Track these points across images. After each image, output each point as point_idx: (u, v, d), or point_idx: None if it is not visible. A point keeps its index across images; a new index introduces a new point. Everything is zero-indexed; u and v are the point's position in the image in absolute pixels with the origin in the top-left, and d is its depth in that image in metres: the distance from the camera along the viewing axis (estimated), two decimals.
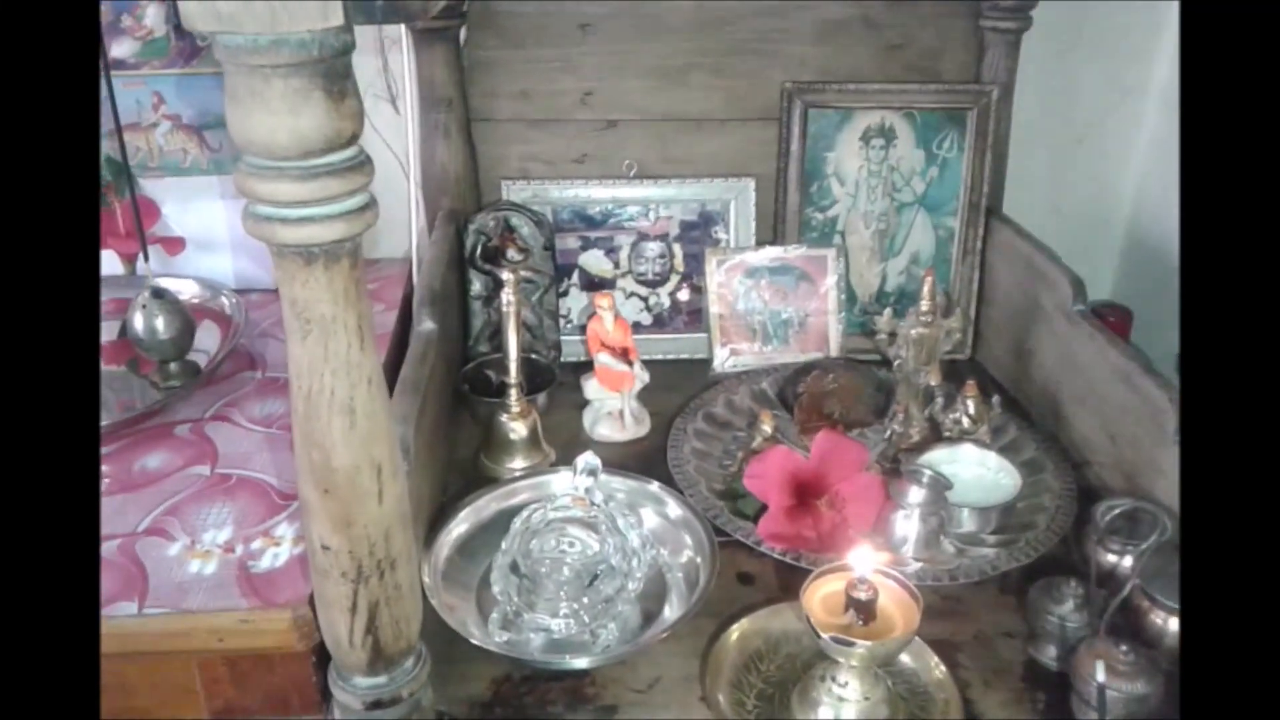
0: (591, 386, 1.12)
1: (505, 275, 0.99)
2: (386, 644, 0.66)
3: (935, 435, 1.03)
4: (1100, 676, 0.66)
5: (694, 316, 1.27)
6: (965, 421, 1.02)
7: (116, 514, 0.86)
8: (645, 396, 1.12)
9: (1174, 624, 0.77)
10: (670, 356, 1.25)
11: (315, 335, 0.57)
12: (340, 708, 0.68)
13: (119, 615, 0.76)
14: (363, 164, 0.54)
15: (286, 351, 0.58)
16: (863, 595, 0.71)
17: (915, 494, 0.90)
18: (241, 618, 0.75)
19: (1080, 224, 1.40)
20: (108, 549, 0.82)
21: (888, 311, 1.01)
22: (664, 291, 1.26)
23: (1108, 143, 1.39)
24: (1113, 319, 1.27)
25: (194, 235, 1.27)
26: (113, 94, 1.04)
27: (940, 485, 0.90)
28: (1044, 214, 1.33)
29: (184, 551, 0.81)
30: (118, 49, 1.19)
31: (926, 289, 0.98)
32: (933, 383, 1.02)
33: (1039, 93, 1.29)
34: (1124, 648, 0.71)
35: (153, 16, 1.19)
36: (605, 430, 1.10)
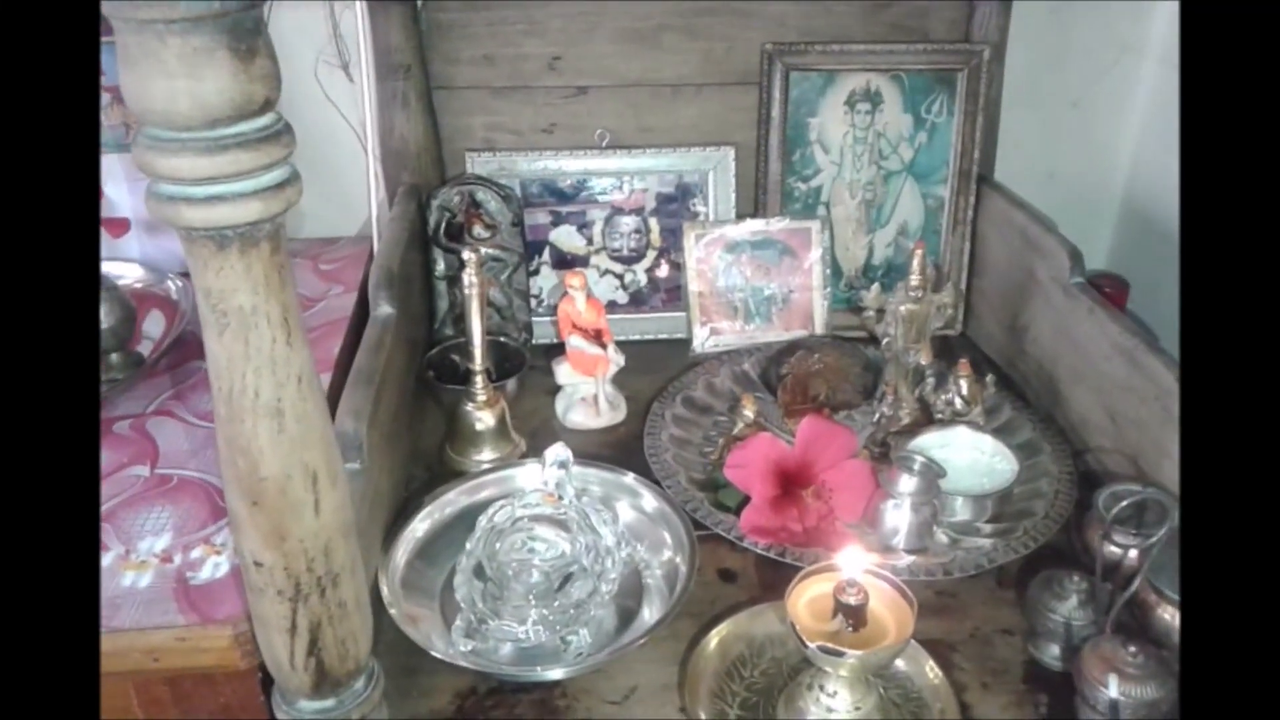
0: (563, 371, 1.05)
1: (467, 255, 0.92)
2: (332, 666, 0.60)
3: (926, 417, 0.98)
4: (1114, 691, 0.61)
5: (672, 294, 1.20)
6: (958, 402, 0.97)
7: None
8: (621, 380, 1.06)
9: None
10: (647, 337, 1.19)
11: (233, 329, 0.50)
12: None
13: None
14: (279, 134, 0.48)
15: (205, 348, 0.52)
16: (852, 600, 0.65)
17: (906, 482, 0.84)
18: (178, 635, 0.69)
19: (1074, 190, 1.34)
20: None
21: (875, 286, 0.96)
22: (640, 268, 1.20)
23: (1104, 104, 1.33)
24: (1108, 289, 1.21)
25: (139, 216, 1.19)
26: None
27: (933, 473, 0.85)
28: (1037, 181, 1.27)
29: (117, 562, 0.75)
30: None
31: (916, 262, 0.93)
32: (923, 361, 0.97)
33: (1032, 52, 1.23)
34: (1133, 648, 0.66)
35: None
36: (578, 417, 1.04)
